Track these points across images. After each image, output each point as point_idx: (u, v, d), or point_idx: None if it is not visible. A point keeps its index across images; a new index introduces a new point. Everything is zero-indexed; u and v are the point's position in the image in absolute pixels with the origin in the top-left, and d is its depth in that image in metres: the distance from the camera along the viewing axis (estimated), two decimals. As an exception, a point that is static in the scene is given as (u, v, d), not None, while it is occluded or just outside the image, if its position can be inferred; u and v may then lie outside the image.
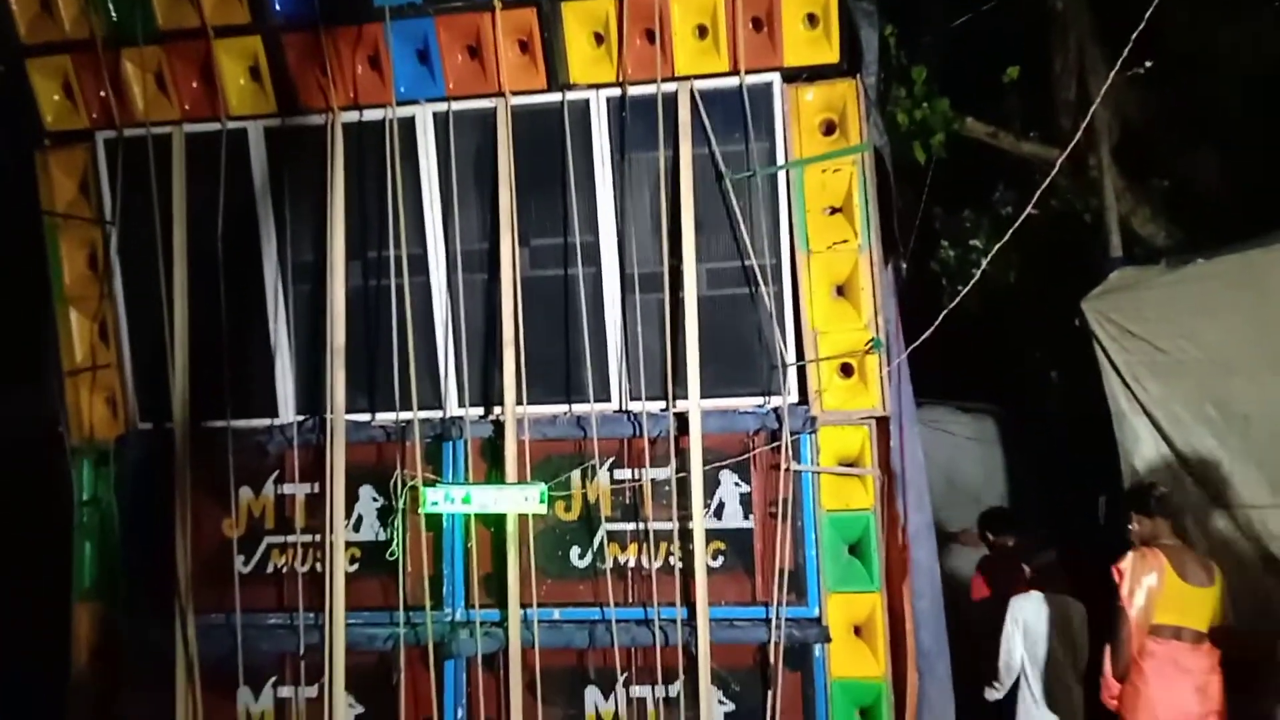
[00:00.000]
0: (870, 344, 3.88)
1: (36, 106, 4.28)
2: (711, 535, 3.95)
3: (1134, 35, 3.76)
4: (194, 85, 4.20)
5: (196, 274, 4.22)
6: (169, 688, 4.11)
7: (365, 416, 4.18)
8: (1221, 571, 4.20)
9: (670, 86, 3.96)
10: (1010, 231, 4.03)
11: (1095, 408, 5.17)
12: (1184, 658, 4.11)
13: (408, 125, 4.11)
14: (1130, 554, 4.20)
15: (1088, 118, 4.27)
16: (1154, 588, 4.14)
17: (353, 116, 4.14)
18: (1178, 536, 4.28)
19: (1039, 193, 3.95)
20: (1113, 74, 4.13)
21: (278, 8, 4.04)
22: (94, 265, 4.36)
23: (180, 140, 4.23)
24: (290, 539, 4.20)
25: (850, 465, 3.95)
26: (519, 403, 4.01)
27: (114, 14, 4.13)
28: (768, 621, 3.86)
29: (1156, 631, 4.15)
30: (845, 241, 3.93)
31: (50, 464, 4.49)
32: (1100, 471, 5.29)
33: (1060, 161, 4.12)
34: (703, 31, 3.92)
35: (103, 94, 4.21)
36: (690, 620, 3.88)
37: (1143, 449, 4.98)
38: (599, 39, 3.97)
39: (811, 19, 3.86)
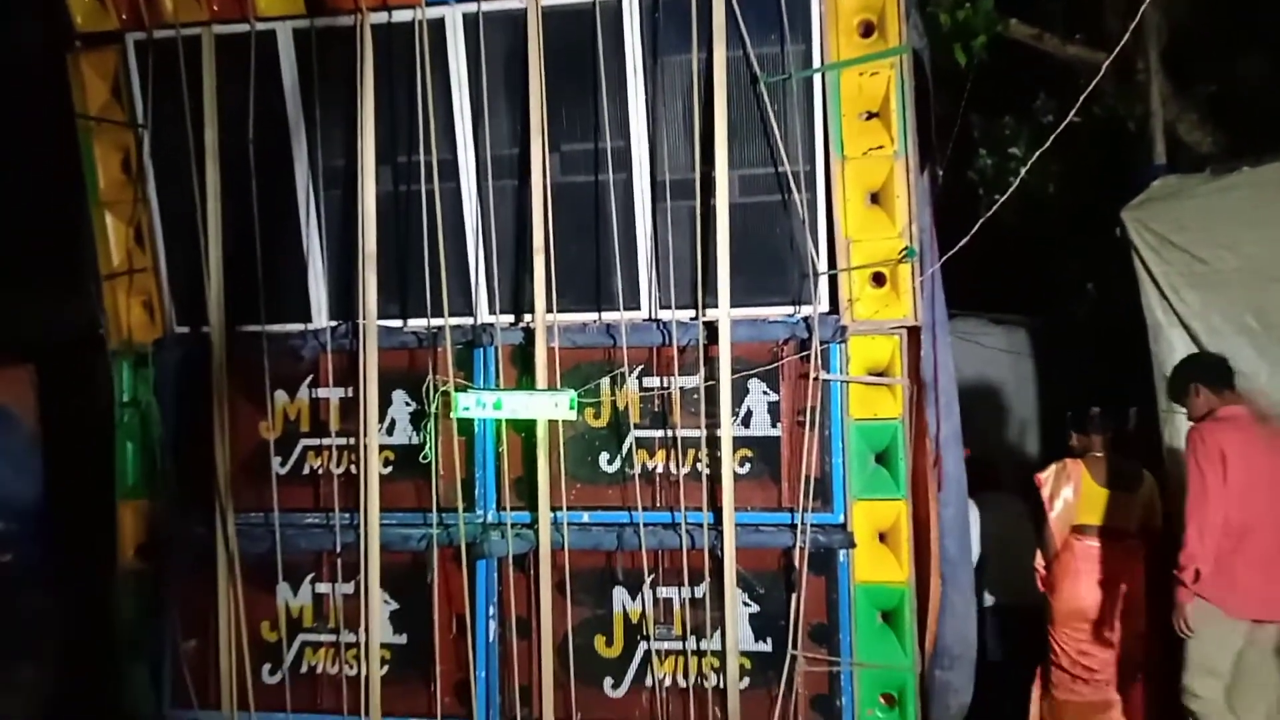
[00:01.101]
0: (904, 253, 3.84)
1: (67, 7, 4.24)
2: (739, 442, 3.98)
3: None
4: (222, -16, 4.15)
5: (229, 178, 4.22)
6: (212, 582, 4.26)
7: (397, 322, 4.22)
8: (1155, 479, 4.81)
9: (704, -15, 3.86)
10: (1052, 138, 3.93)
11: (1130, 319, 5.11)
12: (1094, 553, 4.77)
13: (437, 27, 4.04)
14: (1051, 466, 4.98)
15: (1137, 19, 4.10)
16: (1069, 495, 4.87)
17: (381, 18, 4.08)
18: (1115, 448, 4.92)
19: (1084, 97, 3.83)
20: (1165, -28, 3.96)
21: (304, -97, 3.96)
22: (128, 169, 4.38)
23: (209, 41, 4.20)
24: (325, 441, 4.28)
25: (880, 375, 3.94)
26: (549, 310, 4.02)
27: (139, -91, 4.07)
28: (793, 527, 3.91)
29: (1076, 530, 4.84)
30: (881, 148, 3.85)
31: (90, 366, 4.58)
32: (1133, 384, 5.24)
33: (1107, 65, 3.98)
34: (738, -71, 3.81)
35: (131, -7, 4.17)
36: (716, 524, 3.95)
37: (1178, 359, 4.92)
38: (631, -65, 3.86)
39: (852, -84, 3.73)
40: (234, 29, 4.18)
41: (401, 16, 4.06)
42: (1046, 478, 4.94)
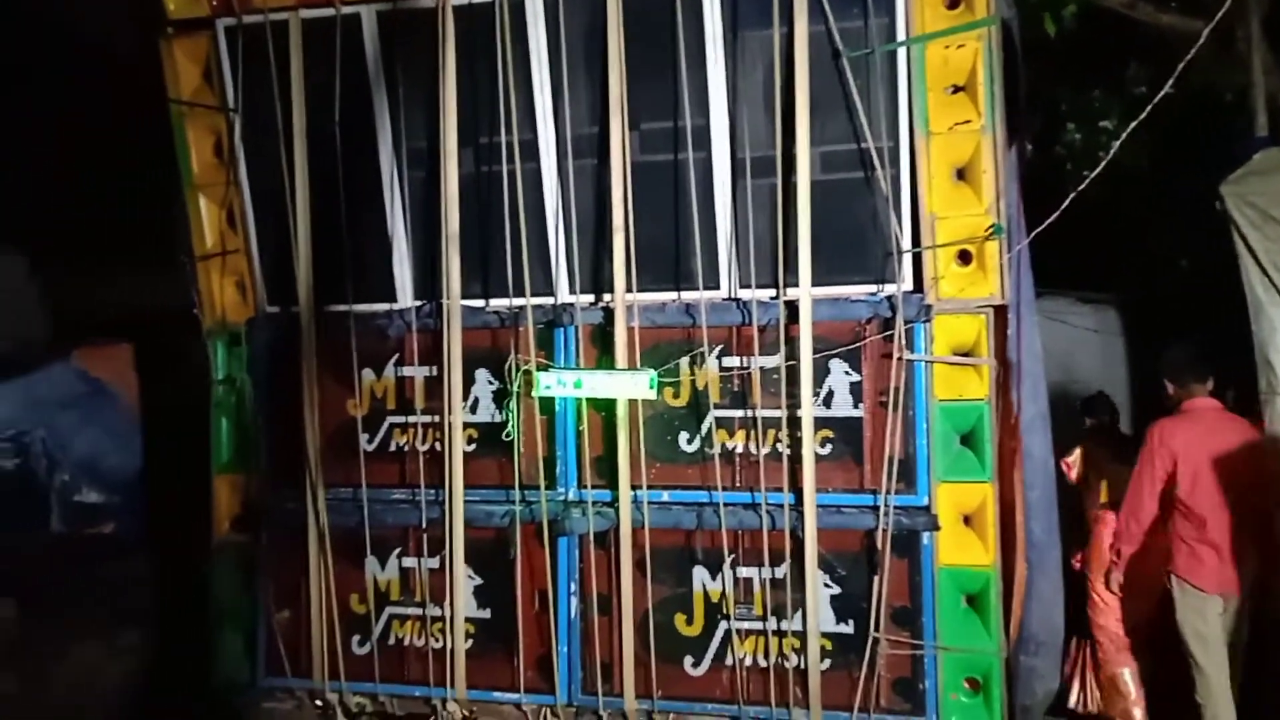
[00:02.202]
0: (990, 230, 3.75)
1: (159, -6, 4.37)
2: (820, 423, 3.95)
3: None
4: (309, -32, 4.22)
5: (316, 160, 4.31)
6: (303, 555, 4.38)
7: (480, 302, 4.27)
8: None
9: (787, -40, 3.81)
10: (1147, 110, 3.79)
11: (1228, 297, 4.92)
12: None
13: (518, 7, 4.06)
14: (1075, 450, 5.43)
15: (1239, -15, 3.94)
16: (1094, 476, 5.31)
17: (463, 0, 4.11)
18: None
19: (1181, 67, 3.70)
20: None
21: (388, -112, 4.00)
22: (220, 152, 4.50)
23: (297, 26, 4.28)
24: (411, 419, 4.36)
25: (965, 355, 3.87)
26: (629, 289, 4.03)
27: (230, -102, 4.16)
28: (875, 509, 3.87)
29: (1105, 506, 5.19)
30: (968, 122, 3.76)
31: (186, 345, 4.73)
32: (1232, 365, 5.06)
33: (1206, 34, 3.82)
34: (822, -104, 3.74)
35: (221, -20, 4.27)
36: (797, 505, 3.93)
37: (1279, 340, 4.73)
38: (713, -92, 3.82)
39: (938, -115, 3.64)
40: (320, 13, 4.26)
41: (482, -3, 4.09)
42: (1073, 461, 5.39)
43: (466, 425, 4.27)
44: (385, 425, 4.42)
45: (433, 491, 4.28)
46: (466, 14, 4.12)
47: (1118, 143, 4.25)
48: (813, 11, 3.81)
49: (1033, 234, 4.00)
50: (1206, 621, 4.50)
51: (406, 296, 4.36)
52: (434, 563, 4.31)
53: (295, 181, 4.32)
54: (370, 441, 4.42)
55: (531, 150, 4.13)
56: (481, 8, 4.09)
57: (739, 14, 3.89)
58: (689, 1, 3.91)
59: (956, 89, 3.79)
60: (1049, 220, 3.88)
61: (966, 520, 3.87)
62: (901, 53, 3.79)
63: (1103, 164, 3.96)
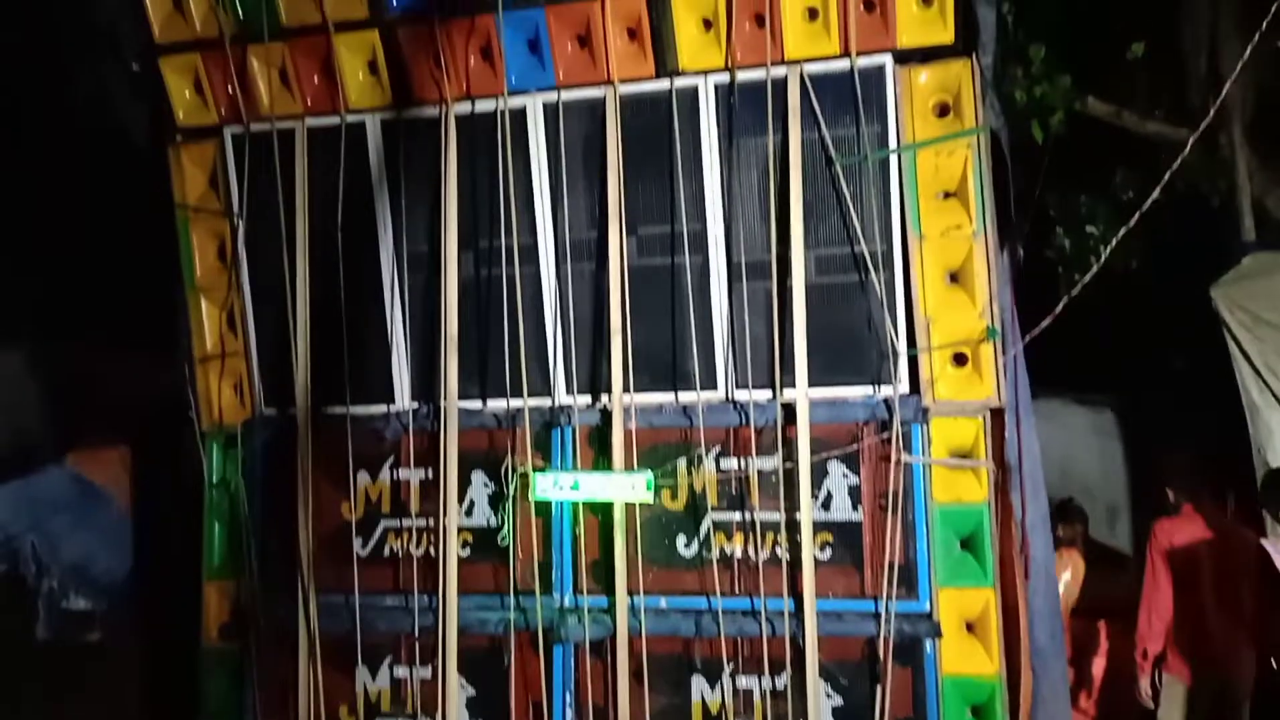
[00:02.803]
0: (985, 332, 3.78)
1: (169, 103, 4.47)
2: (819, 527, 3.91)
3: (1274, 8, 3.56)
4: (315, 80, 4.32)
5: (317, 264, 4.36)
6: (294, 663, 4.28)
7: (477, 404, 4.27)
8: None
9: (780, 71, 3.92)
10: (1136, 216, 3.86)
11: (1226, 399, 4.94)
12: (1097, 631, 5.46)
13: (519, 115, 4.16)
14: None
15: (1222, 95, 4.04)
16: (1068, 578, 5.44)
17: (465, 108, 4.21)
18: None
19: (1168, 174, 3.78)
20: (1249, 49, 3.91)
21: (394, 2, 4.14)
22: (223, 256, 4.54)
23: (303, 134, 4.38)
24: (405, 523, 4.31)
25: (964, 457, 3.85)
26: (626, 391, 4.03)
27: (241, 13, 4.28)
28: (877, 615, 3.81)
29: (1075, 613, 5.45)
30: (959, 227, 3.83)
31: (181, 447, 4.70)
32: (1230, 467, 5.06)
33: (1192, 141, 3.92)
34: (813, 14, 3.86)
35: (231, 90, 4.37)
36: (797, 612, 3.86)
37: (1276, 442, 4.74)
38: (707, 25, 3.94)
39: (926, -2, 3.77)
40: (325, 122, 4.36)
41: (484, 107, 4.19)
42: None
43: (461, 529, 4.22)
44: (379, 529, 4.36)
45: (426, 597, 4.21)
46: (468, 122, 4.22)
47: (1108, 249, 4.32)
48: (806, 119, 3.90)
49: (1028, 337, 4.03)
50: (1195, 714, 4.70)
51: (404, 398, 4.36)
52: (426, 672, 4.21)
53: (296, 284, 4.35)
54: (364, 546, 4.36)
55: (531, 254, 4.18)
56: (483, 117, 4.19)
57: (734, 122, 3.99)
58: (685, 110, 4.01)
59: (948, 194, 3.86)
60: (1043, 324, 3.91)
61: (969, 627, 3.80)
62: (893, 159, 3.87)
63: (1094, 269, 4.01)
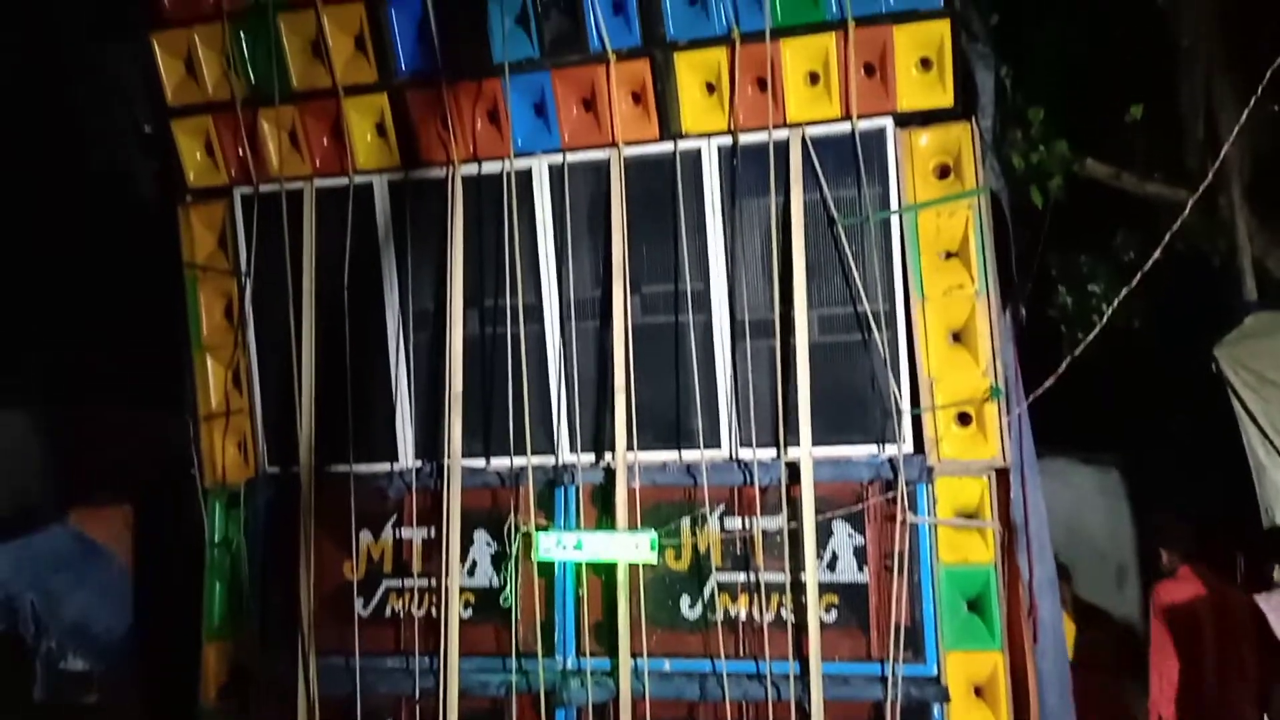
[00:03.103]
0: (989, 391, 3.78)
1: (180, 164, 4.54)
2: (825, 588, 3.87)
3: (1269, 72, 3.61)
4: (324, 142, 4.39)
5: (323, 322, 4.38)
6: (292, 725, 4.22)
7: (480, 462, 4.26)
8: None
9: (782, 134, 3.97)
10: (1138, 278, 3.89)
11: (1232, 458, 4.92)
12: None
13: (524, 177, 4.21)
14: None
15: (1219, 159, 4.09)
16: None
17: (472, 169, 4.27)
18: None
19: (1168, 236, 3.81)
20: (1246, 112, 3.97)
21: (403, 66, 4.21)
22: (229, 315, 4.57)
23: (311, 195, 4.43)
24: (407, 583, 4.28)
25: (969, 517, 3.83)
26: (630, 449, 4.02)
27: (253, 76, 4.37)
28: (883, 679, 3.75)
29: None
30: (961, 287, 3.85)
31: (183, 506, 4.69)
32: (1239, 527, 5.02)
33: (1191, 204, 3.96)
34: (814, 78, 3.92)
35: (241, 152, 4.44)
36: (803, 675, 3.80)
37: (1290, 506, 4.71)
38: (711, 88, 4.01)
39: (925, 63, 3.82)
40: (333, 183, 4.41)
41: (490, 168, 4.25)
42: None
43: (464, 589, 4.19)
44: (381, 589, 4.33)
45: (427, 659, 4.16)
46: (474, 183, 4.27)
47: (1110, 308, 4.34)
48: (808, 180, 3.95)
49: (1031, 397, 4.03)
50: None
51: (408, 457, 4.35)
52: (427, 735, 4.15)
53: (302, 342, 4.38)
54: (365, 606, 4.32)
55: (535, 313, 4.21)
56: (489, 178, 4.25)
57: (737, 183, 4.03)
58: (689, 170, 4.06)
59: (949, 255, 3.89)
60: (1047, 384, 3.92)
61: (978, 691, 3.75)
62: (895, 220, 3.90)
63: (1095, 331, 4.02)
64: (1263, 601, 4.48)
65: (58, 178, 5.96)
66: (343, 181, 4.39)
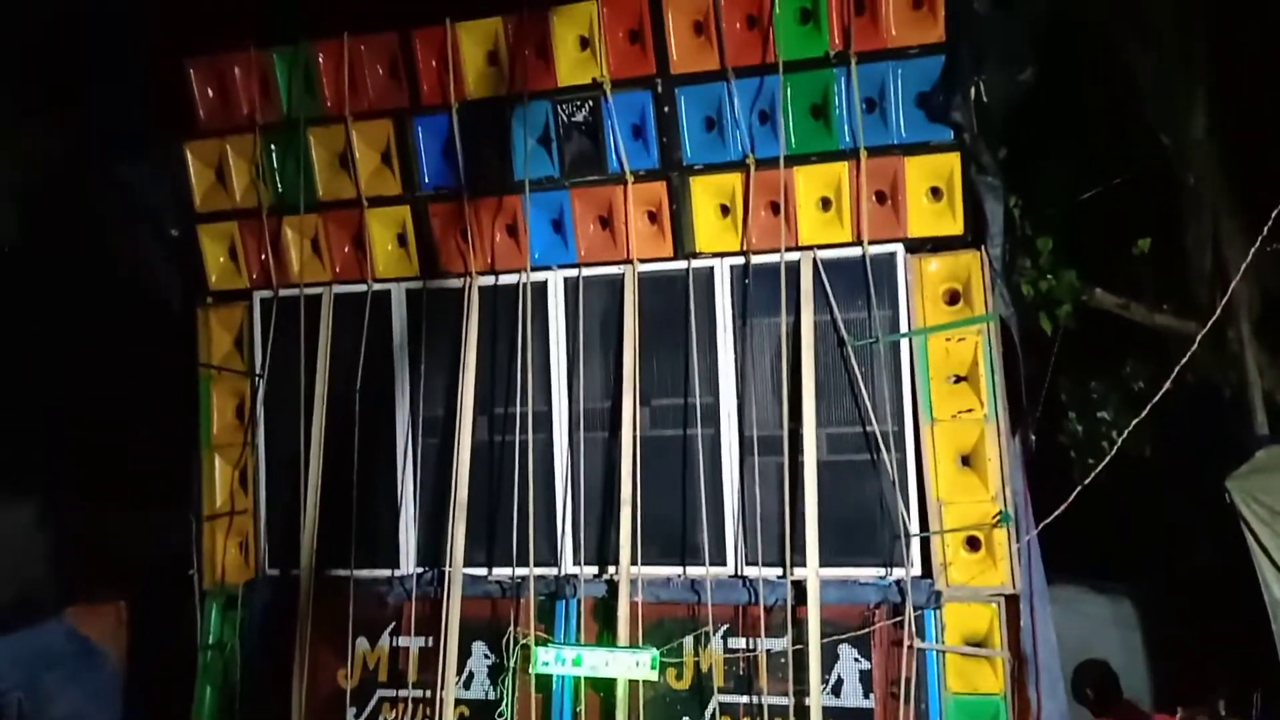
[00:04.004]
0: (998, 517, 3.75)
1: (203, 267, 4.64)
2: (829, 713, 3.78)
3: (1275, 214, 3.69)
4: (345, 250, 4.50)
5: (333, 426, 4.41)
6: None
7: (482, 571, 4.22)
8: None
9: (793, 255, 4.05)
10: (1148, 409, 3.90)
11: (1248, 590, 4.83)
12: None
13: (539, 289, 4.29)
14: None
15: (1227, 294, 4.15)
16: None
17: (489, 280, 4.35)
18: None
19: (1178, 369, 3.83)
20: (1253, 252, 4.03)
21: (427, 180, 4.34)
22: (240, 415, 4.61)
23: (329, 300, 4.51)
24: (402, 693, 4.19)
25: (978, 645, 3.76)
26: (634, 563, 3.99)
27: (280, 186, 4.50)
28: (890, 812, 3.63)
29: None
30: (970, 411, 3.86)
31: (179, 606, 4.63)
32: (1255, 661, 4.89)
33: (1200, 338, 3.99)
34: (826, 204, 4.02)
35: (263, 257, 4.55)
36: (806, 806, 3.68)
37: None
38: (725, 210, 4.11)
39: (935, 192, 3.92)
40: (352, 289, 4.50)
41: (507, 279, 4.33)
42: None
43: (459, 701, 4.10)
44: (375, 698, 4.24)
45: (419, 775, 4.06)
46: (490, 293, 4.35)
47: (1121, 437, 4.32)
48: (819, 302, 4.01)
49: (1042, 524, 4.00)
50: None
51: (409, 563, 4.32)
52: None
53: (311, 444, 4.39)
54: (358, 715, 4.23)
55: (544, 421, 4.23)
56: (505, 289, 4.33)
57: (749, 302, 4.10)
58: (701, 288, 4.14)
59: (959, 379, 3.91)
60: (1058, 511, 3.89)
61: (988, 831, 3.62)
62: (904, 343, 3.94)
63: (1106, 459, 4.01)
64: None
65: (82, 285, 6.05)
66: (361, 288, 4.48)
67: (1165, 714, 5.12)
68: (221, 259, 4.63)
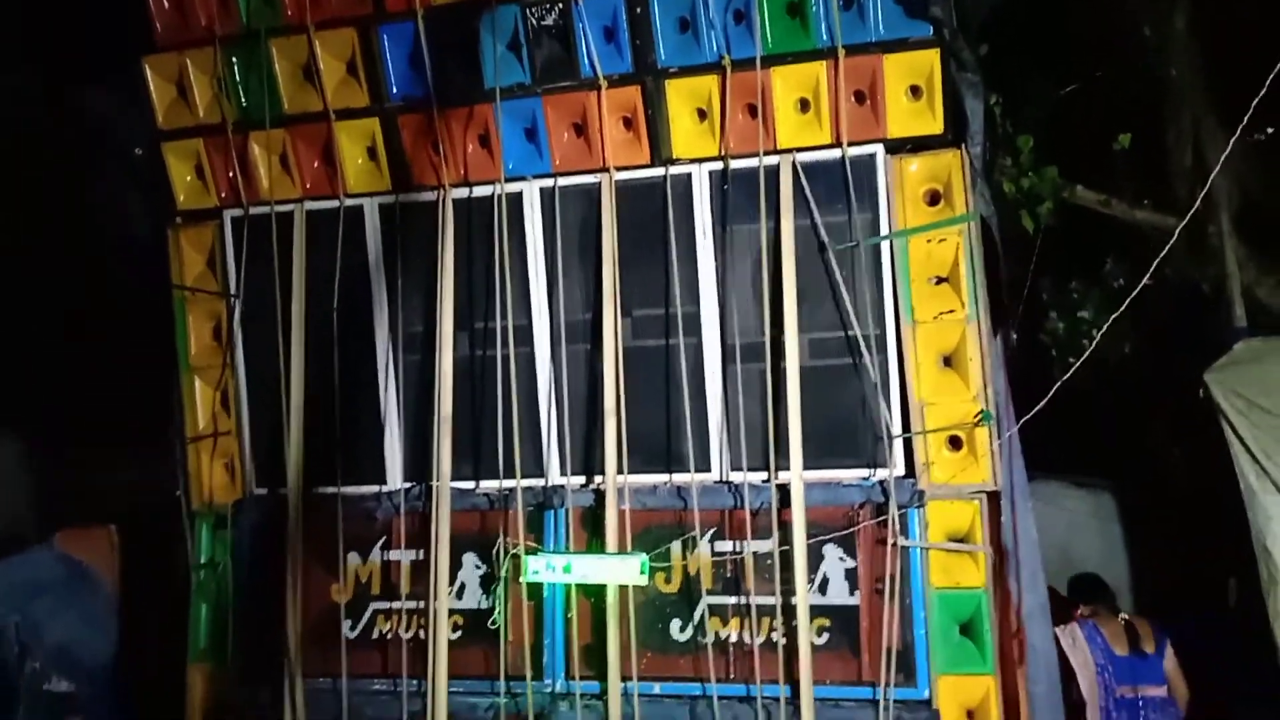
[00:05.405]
0: (979, 416, 3.78)
1: (170, 186, 4.54)
2: (816, 611, 3.85)
3: (1254, 103, 3.65)
4: (315, 165, 4.41)
5: (313, 344, 4.38)
6: (277, 751, 4.18)
7: (470, 484, 4.24)
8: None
9: (772, 159, 3.99)
10: (1125, 304, 3.90)
11: (1224, 484, 4.92)
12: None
13: (515, 200, 4.22)
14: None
15: (1206, 188, 4.12)
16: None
17: (463, 193, 4.28)
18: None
19: (1156, 263, 3.82)
20: (1232, 143, 4.00)
21: (394, 90, 4.23)
22: (218, 336, 4.57)
23: (301, 217, 4.44)
24: (395, 605, 4.26)
25: (960, 541, 3.82)
26: (620, 472, 4.01)
27: (244, 100, 4.39)
28: (875, 703, 3.74)
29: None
30: (952, 312, 3.86)
31: (170, 528, 4.66)
32: (1230, 551, 5.01)
33: (1179, 230, 3.98)
34: (805, 105, 3.95)
35: (231, 174, 4.45)
36: (794, 699, 3.78)
37: (1275, 528, 4.71)
38: (702, 115, 4.03)
39: (915, 90, 3.85)
40: (324, 205, 4.42)
41: (481, 191, 4.26)
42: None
43: (452, 612, 4.16)
44: (369, 611, 4.30)
45: (415, 682, 4.13)
46: (465, 206, 4.28)
47: (1099, 334, 4.34)
48: (799, 206, 3.96)
49: (1021, 421, 4.03)
50: None
51: (396, 479, 4.34)
52: (414, 760, 4.11)
53: (291, 364, 4.37)
54: (353, 628, 4.29)
55: (525, 335, 4.21)
56: (480, 201, 4.26)
57: (728, 208, 4.05)
58: (680, 196, 4.08)
59: (940, 280, 3.90)
60: (1037, 408, 3.91)
61: (970, 716, 3.73)
62: (885, 245, 3.92)
63: (1085, 355, 4.03)
64: (1060, 631, 4.69)
65: (51, 213, 5.94)
66: (333, 204, 4.40)
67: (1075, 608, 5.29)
68: (188, 177, 4.53)
